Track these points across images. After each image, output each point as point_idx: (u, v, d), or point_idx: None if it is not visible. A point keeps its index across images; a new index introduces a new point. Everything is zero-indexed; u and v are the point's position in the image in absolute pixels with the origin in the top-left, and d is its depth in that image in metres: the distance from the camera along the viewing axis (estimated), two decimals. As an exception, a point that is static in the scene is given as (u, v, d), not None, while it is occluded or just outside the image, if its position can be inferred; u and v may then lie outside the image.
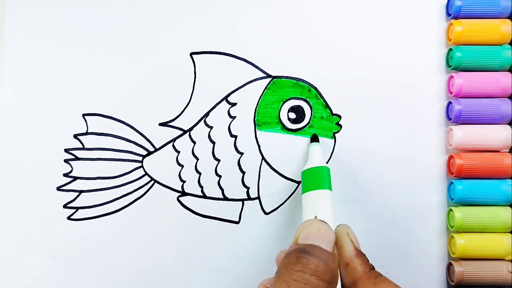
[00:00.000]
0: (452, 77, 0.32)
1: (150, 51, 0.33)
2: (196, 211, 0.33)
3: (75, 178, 0.33)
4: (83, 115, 0.33)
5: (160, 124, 0.33)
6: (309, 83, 0.33)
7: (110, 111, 0.33)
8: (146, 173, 0.33)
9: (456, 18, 0.32)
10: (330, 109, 0.33)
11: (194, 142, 0.33)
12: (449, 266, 0.32)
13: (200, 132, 0.33)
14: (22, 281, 0.33)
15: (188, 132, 0.33)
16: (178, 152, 0.33)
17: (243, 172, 0.33)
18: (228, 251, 0.33)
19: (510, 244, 0.31)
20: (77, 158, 0.33)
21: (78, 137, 0.33)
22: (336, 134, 0.33)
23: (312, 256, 0.23)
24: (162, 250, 0.33)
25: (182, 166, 0.33)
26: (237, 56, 0.33)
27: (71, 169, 0.33)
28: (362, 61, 0.33)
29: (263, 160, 0.33)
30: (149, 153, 0.33)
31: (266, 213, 0.33)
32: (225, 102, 0.33)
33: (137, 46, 0.33)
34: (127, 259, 0.33)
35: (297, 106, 0.33)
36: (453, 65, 0.32)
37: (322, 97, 0.33)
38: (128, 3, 0.33)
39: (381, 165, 0.32)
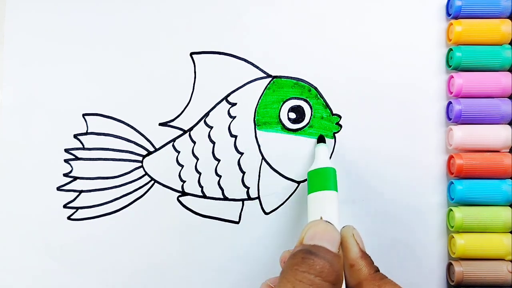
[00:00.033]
0: (452, 77, 0.32)
1: (150, 51, 0.33)
2: (196, 211, 0.33)
3: (75, 178, 0.33)
4: (83, 115, 0.33)
5: (160, 124, 0.33)
6: (309, 83, 0.33)
7: (110, 111, 0.33)
8: (146, 173, 0.33)
9: (456, 18, 0.32)
10: (330, 109, 0.33)
11: (194, 142, 0.33)
12: (449, 266, 0.32)
13: (200, 132, 0.33)
14: (22, 281, 0.33)
15: (188, 132, 0.33)
16: (178, 152, 0.33)
17: (243, 172, 0.33)
18: (228, 251, 0.33)
19: (510, 244, 0.31)
20: (77, 158, 0.33)
21: (78, 137, 0.33)
22: (336, 134, 0.33)
23: (318, 257, 0.23)
24: (162, 250, 0.33)
25: (182, 166, 0.33)
26: (237, 56, 0.33)
27: (71, 169, 0.33)
28: (362, 61, 0.33)
29: (263, 160, 0.33)
30: (149, 153, 0.33)
31: (266, 213, 0.33)
32: (225, 102, 0.33)
33: (137, 46, 0.33)
34: (127, 259, 0.33)
35: (297, 106, 0.33)
36: (453, 65, 0.32)
37: (322, 97, 0.33)
38: (128, 3, 0.33)
39: (381, 165, 0.32)
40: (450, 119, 0.32)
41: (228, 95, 0.33)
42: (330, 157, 0.33)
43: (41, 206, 0.33)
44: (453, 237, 0.31)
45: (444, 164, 0.32)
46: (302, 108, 0.33)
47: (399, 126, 0.32)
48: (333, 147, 0.33)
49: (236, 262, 0.33)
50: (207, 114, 0.33)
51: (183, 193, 0.33)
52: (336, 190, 0.28)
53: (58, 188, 0.33)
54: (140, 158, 0.33)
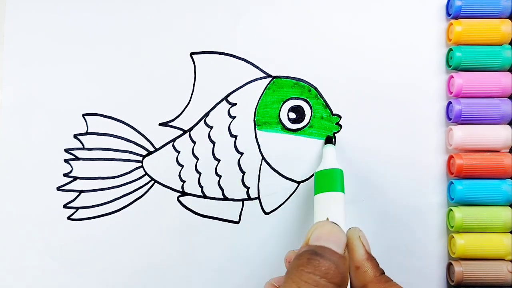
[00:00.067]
0: (452, 77, 0.32)
1: (150, 51, 0.33)
2: (196, 211, 0.33)
3: (75, 178, 0.33)
4: (83, 115, 0.33)
5: (160, 124, 0.33)
6: (309, 83, 0.33)
7: (110, 111, 0.33)
8: (146, 173, 0.33)
9: (456, 18, 0.32)
10: (330, 109, 0.33)
11: (194, 142, 0.33)
12: (449, 266, 0.32)
13: (200, 132, 0.33)
14: (22, 281, 0.33)
15: (188, 132, 0.33)
16: (178, 152, 0.33)
17: (243, 172, 0.33)
18: (228, 251, 0.33)
19: (510, 244, 0.31)
20: (77, 158, 0.33)
21: (78, 137, 0.33)
22: (336, 134, 0.33)
23: (323, 258, 0.23)
24: (162, 250, 0.33)
25: (182, 166, 0.33)
26: (237, 56, 0.33)
27: (71, 169, 0.33)
28: (362, 61, 0.33)
29: (263, 160, 0.33)
30: (149, 153, 0.33)
31: (266, 213, 0.33)
32: (225, 102, 0.33)
33: (137, 46, 0.33)
34: (127, 259, 0.33)
35: (297, 106, 0.33)
36: (453, 65, 0.32)
37: (322, 97, 0.33)
38: (128, 3, 0.33)
39: (381, 165, 0.32)
40: (450, 119, 0.32)
41: (228, 95, 0.33)
42: (330, 157, 0.33)
43: (41, 206, 0.33)
44: (453, 237, 0.31)
45: (444, 164, 0.32)
46: (302, 108, 0.33)
47: (399, 126, 0.32)
48: (333, 147, 0.33)
49: (236, 262, 0.33)
50: (207, 114, 0.33)
51: (183, 193, 0.33)
52: (343, 192, 0.28)
53: (58, 188, 0.33)
54: (140, 158, 0.33)
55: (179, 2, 0.33)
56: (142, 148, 0.33)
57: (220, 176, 0.33)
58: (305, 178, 0.33)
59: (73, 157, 0.33)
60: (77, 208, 0.33)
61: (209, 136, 0.33)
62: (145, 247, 0.33)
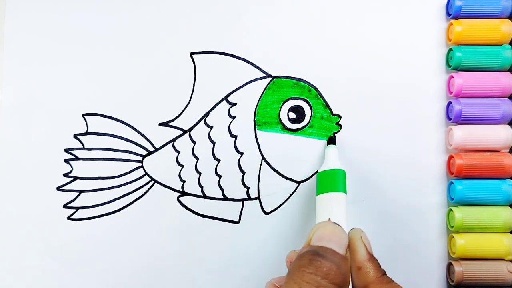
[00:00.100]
0: (452, 77, 0.32)
1: (150, 51, 0.33)
2: (196, 211, 0.33)
3: (75, 178, 0.33)
4: (83, 115, 0.33)
5: (160, 124, 0.33)
6: (309, 83, 0.33)
7: (110, 111, 0.33)
8: (146, 173, 0.33)
9: (456, 18, 0.32)
10: (330, 109, 0.33)
11: (194, 142, 0.33)
12: (449, 266, 0.32)
13: (200, 132, 0.33)
14: (22, 281, 0.33)
15: (188, 132, 0.33)
16: (178, 152, 0.33)
17: (243, 172, 0.33)
18: (228, 251, 0.33)
19: (510, 244, 0.31)
20: (77, 158, 0.33)
21: (78, 137, 0.33)
22: (336, 134, 0.33)
23: (325, 259, 0.23)
24: (162, 250, 0.33)
25: (182, 166, 0.33)
26: (237, 56, 0.33)
27: (71, 169, 0.33)
28: (362, 61, 0.33)
29: (263, 160, 0.33)
30: (149, 153, 0.33)
31: (266, 213, 0.33)
32: (225, 102, 0.33)
33: (137, 46, 0.33)
34: (127, 259, 0.33)
35: (297, 106, 0.33)
36: (453, 65, 0.32)
37: (322, 97, 0.33)
38: (128, 3, 0.33)
39: (381, 165, 0.32)
40: (450, 119, 0.32)
41: (228, 95, 0.33)
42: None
43: (41, 206, 0.33)
44: (453, 237, 0.31)
45: (444, 164, 0.32)
46: (302, 108, 0.33)
47: (399, 126, 0.32)
48: (333, 147, 0.33)
49: (236, 262, 0.33)
50: (207, 114, 0.33)
51: (183, 193, 0.33)
52: (345, 192, 0.28)
53: (58, 188, 0.33)
54: (140, 158, 0.33)
55: (179, 2, 0.33)
56: (142, 148, 0.33)
57: (220, 176, 0.33)
58: (305, 178, 0.33)
59: (73, 157, 0.33)
60: (77, 208, 0.33)
61: (209, 136, 0.33)
62: (145, 247, 0.33)
